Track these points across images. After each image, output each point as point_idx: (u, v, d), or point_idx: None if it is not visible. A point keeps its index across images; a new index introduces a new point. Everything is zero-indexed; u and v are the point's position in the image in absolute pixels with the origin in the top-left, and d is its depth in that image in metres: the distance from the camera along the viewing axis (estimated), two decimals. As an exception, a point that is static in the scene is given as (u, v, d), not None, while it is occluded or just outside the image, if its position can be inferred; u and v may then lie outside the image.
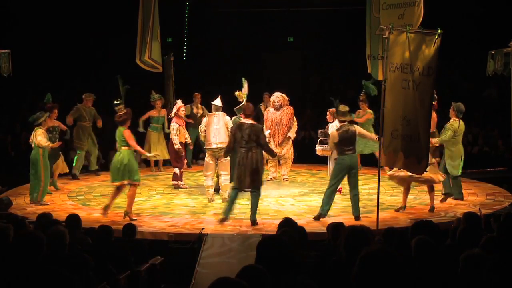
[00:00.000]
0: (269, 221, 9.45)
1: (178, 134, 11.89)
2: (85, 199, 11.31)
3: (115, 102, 10.98)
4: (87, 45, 18.09)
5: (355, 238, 4.52)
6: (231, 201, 9.38)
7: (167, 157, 13.69)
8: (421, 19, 11.06)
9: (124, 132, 9.70)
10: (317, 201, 11.07)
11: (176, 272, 8.12)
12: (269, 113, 12.40)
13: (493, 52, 10.98)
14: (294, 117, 12.44)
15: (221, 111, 11.05)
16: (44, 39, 17.17)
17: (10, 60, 11.21)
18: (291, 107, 12.40)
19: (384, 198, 10.88)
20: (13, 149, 15.88)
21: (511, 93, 10.48)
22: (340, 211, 10.31)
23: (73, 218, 7.13)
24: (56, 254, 5.22)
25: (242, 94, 11.77)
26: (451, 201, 10.84)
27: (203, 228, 8.93)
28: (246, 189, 9.38)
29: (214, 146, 10.85)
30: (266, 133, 12.20)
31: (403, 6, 11.37)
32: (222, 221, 9.32)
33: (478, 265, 4.22)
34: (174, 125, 11.86)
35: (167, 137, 13.95)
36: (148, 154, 11.27)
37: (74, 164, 13.02)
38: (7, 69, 11.18)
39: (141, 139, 13.46)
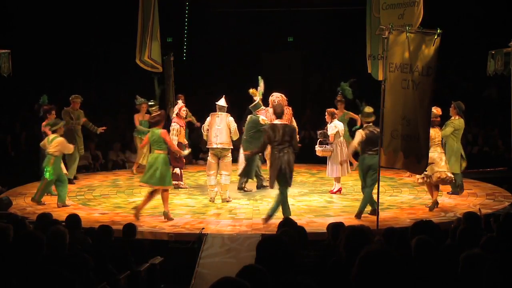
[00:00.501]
0: (269, 221, 9.43)
1: (179, 134, 11.89)
2: (85, 199, 11.30)
3: (150, 103, 10.88)
4: (87, 45, 18.09)
5: (355, 238, 4.52)
6: (285, 201, 9.36)
7: (144, 162, 13.67)
8: (420, 19, 11.08)
9: (161, 134, 9.53)
10: (317, 201, 11.09)
11: (176, 272, 8.12)
12: (268, 114, 12.38)
13: (493, 52, 10.99)
14: (293, 119, 12.46)
15: (225, 111, 11.05)
16: (44, 39, 17.17)
17: (10, 60, 11.19)
18: (290, 108, 12.40)
19: (384, 198, 10.88)
20: (13, 149, 15.88)
21: (511, 93, 10.49)
22: (340, 211, 10.31)
23: (73, 218, 7.13)
24: (56, 254, 5.22)
25: (257, 92, 11.85)
26: (451, 201, 10.85)
27: (203, 228, 8.93)
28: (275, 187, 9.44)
29: (214, 146, 10.87)
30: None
31: (403, 6, 11.38)
32: (266, 220, 9.28)
33: (478, 265, 4.22)
34: (174, 125, 11.86)
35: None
36: (184, 153, 10.97)
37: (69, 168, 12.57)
38: (7, 69, 11.18)
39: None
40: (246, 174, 11.67)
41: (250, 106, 11.75)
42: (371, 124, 9.77)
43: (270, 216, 9.23)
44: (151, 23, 13.10)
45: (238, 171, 11.86)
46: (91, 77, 18.57)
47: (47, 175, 10.54)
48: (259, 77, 12.33)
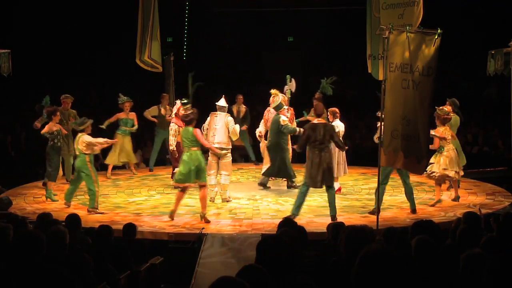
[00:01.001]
0: (269, 221, 9.45)
1: (177, 135, 11.87)
2: (85, 199, 11.25)
3: (183, 101, 10.80)
4: (88, 45, 18.09)
5: (355, 238, 4.52)
6: (302, 198, 9.54)
7: (133, 161, 13.49)
8: (420, 18, 11.07)
9: (194, 132, 9.54)
10: (316, 201, 11.08)
11: (176, 272, 8.11)
12: (270, 114, 12.38)
13: (493, 52, 10.99)
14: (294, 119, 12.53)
15: (225, 111, 11.06)
16: (44, 39, 17.18)
17: (10, 60, 11.17)
18: (291, 108, 12.43)
19: (384, 198, 10.84)
20: (13, 149, 15.89)
21: (511, 93, 10.49)
22: (340, 211, 10.29)
23: (73, 218, 7.13)
24: (56, 254, 5.22)
25: (278, 92, 11.92)
26: (451, 201, 10.84)
27: (203, 228, 8.93)
28: (319, 187, 9.65)
29: (212, 145, 10.90)
30: (260, 127, 12.29)
31: (402, 6, 11.38)
32: (292, 217, 9.20)
33: (478, 265, 4.22)
34: (173, 126, 11.83)
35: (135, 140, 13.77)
36: (221, 153, 10.95)
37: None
38: (7, 69, 11.16)
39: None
40: (270, 174, 11.90)
41: (272, 106, 11.84)
42: None
43: (334, 215, 9.48)
44: (151, 23, 13.10)
45: (262, 170, 12.16)
46: (91, 77, 18.59)
47: (86, 178, 10.19)
48: (288, 76, 12.43)
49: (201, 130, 9.91)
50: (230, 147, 11.05)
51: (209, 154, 11.09)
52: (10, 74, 11.26)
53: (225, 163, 10.91)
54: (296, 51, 20.12)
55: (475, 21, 17.29)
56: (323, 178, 9.42)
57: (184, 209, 10.43)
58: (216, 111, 11.12)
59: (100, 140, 10.54)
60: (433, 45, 8.10)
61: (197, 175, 9.50)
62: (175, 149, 11.79)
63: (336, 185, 11.67)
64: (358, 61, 13.84)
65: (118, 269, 6.23)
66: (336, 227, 6.28)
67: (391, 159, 8.57)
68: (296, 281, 3.61)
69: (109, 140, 10.96)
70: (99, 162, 15.25)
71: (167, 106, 13.77)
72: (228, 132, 10.88)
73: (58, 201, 11.01)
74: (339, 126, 11.58)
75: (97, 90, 18.91)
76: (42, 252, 4.68)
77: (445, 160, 10.42)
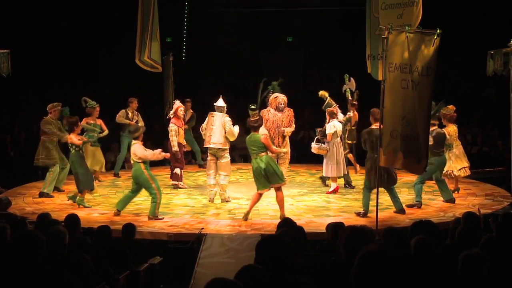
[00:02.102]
0: (268, 221, 9.45)
1: (177, 135, 11.87)
2: (84, 199, 11.28)
3: (251, 106, 10.84)
4: (87, 45, 18.08)
5: (355, 238, 4.52)
6: (368, 199, 9.77)
7: (103, 169, 12.75)
8: (419, 19, 11.08)
9: (262, 139, 9.50)
10: (316, 201, 11.09)
11: (175, 272, 8.12)
12: (270, 114, 12.35)
13: (492, 52, 10.99)
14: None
15: (223, 112, 11.06)
16: (44, 39, 17.17)
17: (10, 60, 11.15)
18: (291, 109, 12.43)
19: (384, 198, 10.84)
20: (13, 149, 15.89)
21: (510, 93, 10.50)
22: (340, 211, 10.32)
23: (72, 218, 7.12)
24: (56, 254, 5.22)
25: (326, 93, 12.11)
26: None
27: (202, 228, 8.93)
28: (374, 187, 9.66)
29: (208, 145, 10.95)
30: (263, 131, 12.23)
31: (402, 6, 11.37)
32: (364, 215, 9.71)
33: (477, 265, 4.22)
34: (172, 126, 11.85)
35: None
36: (283, 150, 10.76)
37: (46, 181, 11.59)
38: (7, 69, 11.13)
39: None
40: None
41: (322, 107, 11.95)
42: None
43: (401, 209, 9.93)
44: (151, 23, 13.09)
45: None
46: (91, 77, 18.57)
47: (145, 186, 9.86)
48: (346, 75, 12.58)
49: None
50: (227, 147, 11.03)
51: (208, 154, 11.11)
52: (10, 74, 11.24)
53: (223, 163, 10.90)
54: (296, 51, 20.09)
55: (475, 21, 17.28)
56: (382, 180, 9.49)
57: (184, 209, 10.45)
58: (214, 111, 11.13)
59: (155, 152, 9.99)
60: (432, 45, 8.10)
61: (269, 179, 9.42)
62: (178, 149, 11.80)
63: (333, 185, 11.70)
64: (357, 61, 13.82)
65: (117, 269, 6.24)
66: (335, 227, 6.29)
67: (390, 159, 8.57)
68: (295, 281, 3.61)
69: (163, 153, 10.18)
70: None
71: (135, 111, 13.54)
72: (225, 132, 10.87)
73: (91, 206, 10.76)
74: (336, 126, 11.60)
75: (97, 90, 18.89)
76: (42, 253, 4.68)
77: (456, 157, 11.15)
